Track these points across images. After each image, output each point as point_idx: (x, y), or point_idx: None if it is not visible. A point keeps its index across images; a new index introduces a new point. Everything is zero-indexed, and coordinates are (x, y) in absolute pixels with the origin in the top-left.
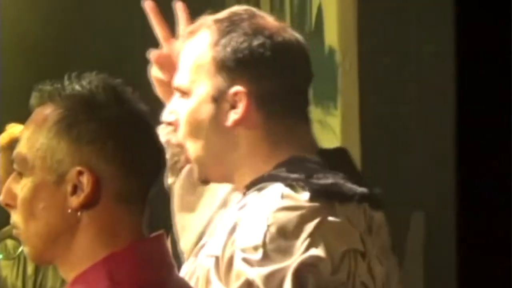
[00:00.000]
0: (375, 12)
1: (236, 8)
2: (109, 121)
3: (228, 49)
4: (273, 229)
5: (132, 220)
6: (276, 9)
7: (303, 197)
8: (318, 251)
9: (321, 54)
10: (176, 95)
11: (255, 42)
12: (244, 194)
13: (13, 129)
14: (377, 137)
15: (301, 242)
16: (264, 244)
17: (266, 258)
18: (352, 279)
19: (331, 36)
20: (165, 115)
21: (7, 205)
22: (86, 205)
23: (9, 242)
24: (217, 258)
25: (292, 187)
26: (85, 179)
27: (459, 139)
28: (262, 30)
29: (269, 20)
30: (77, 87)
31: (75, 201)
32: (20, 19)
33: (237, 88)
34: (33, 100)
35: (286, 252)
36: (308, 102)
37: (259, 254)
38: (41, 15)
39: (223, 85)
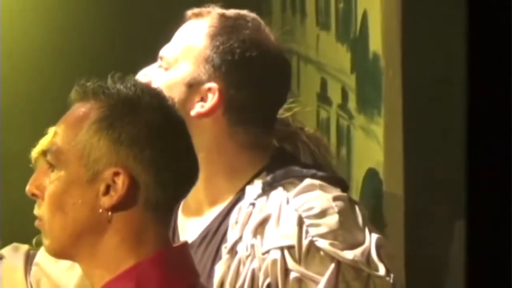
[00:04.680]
0: (419, 20)
1: (245, 13)
2: (152, 127)
3: (221, 47)
4: (341, 216)
5: (158, 229)
6: (322, 15)
7: (336, 187)
8: (378, 233)
9: (365, 60)
10: (157, 62)
11: (248, 53)
12: (264, 190)
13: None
14: (421, 145)
15: (362, 225)
16: (341, 229)
17: (348, 240)
18: None
19: (376, 43)
20: (140, 75)
21: (33, 194)
22: (117, 207)
23: None
24: (290, 248)
25: (323, 180)
26: (121, 181)
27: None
28: (259, 45)
29: (269, 37)
30: (122, 88)
31: (107, 201)
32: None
33: (213, 84)
34: (74, 94)
35: (357, 234)
36: (275, 118)
37: (342, 238)
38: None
39: (202, 77)
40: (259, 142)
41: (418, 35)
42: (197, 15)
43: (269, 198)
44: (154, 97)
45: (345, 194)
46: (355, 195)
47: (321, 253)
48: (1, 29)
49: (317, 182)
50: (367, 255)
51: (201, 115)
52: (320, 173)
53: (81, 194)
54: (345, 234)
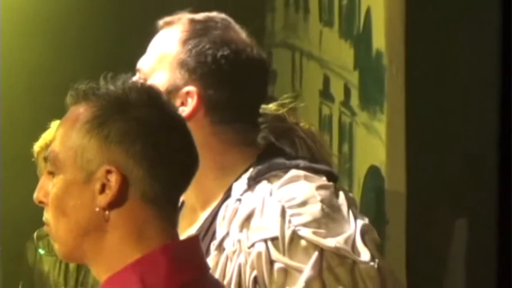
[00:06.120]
0: (423, 17)
1: (214, 15)
2: (139, 121)
3: (194, 51)
4: (324, 205)
5: (162, 224)
6: (325, 12)
7: (322, 177)
8: (365, 219)
9: (368, 57)
10: (136, 75)
11: (220, 53)
12: (249, 185)
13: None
14: (423, 143)
15: (346, 213)
16: (324, 217)
17: (333, 228)
18: None
19: (379, 40)
20: None
21: (40, 202)
22: (113, 204)
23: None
24: (274, 240)
25: (307, 170)
26: (113, 178)
27: (503, 144)
28: (230, 43)
29: (240, 35)
30: (111, 87)
31: (103, 199)
32: None
33: (191, 88)
34: (69, 99)
35: (342, 221)
36: (258, 114)
37: (326, 226)
38: None
39: (179, 82)
40: (245, 138)
41: (422, 32)
42: (168, 24)
43: (253, 192)
44: (142, 93)
45: (330, 183)
46: (357, 192)
47: (304, 242)
48: (1, 29)
49: (302, 172)
50: (352, 242)
51: None
52: (303, 163)
53: (79, 196)
54: (328, 222)
